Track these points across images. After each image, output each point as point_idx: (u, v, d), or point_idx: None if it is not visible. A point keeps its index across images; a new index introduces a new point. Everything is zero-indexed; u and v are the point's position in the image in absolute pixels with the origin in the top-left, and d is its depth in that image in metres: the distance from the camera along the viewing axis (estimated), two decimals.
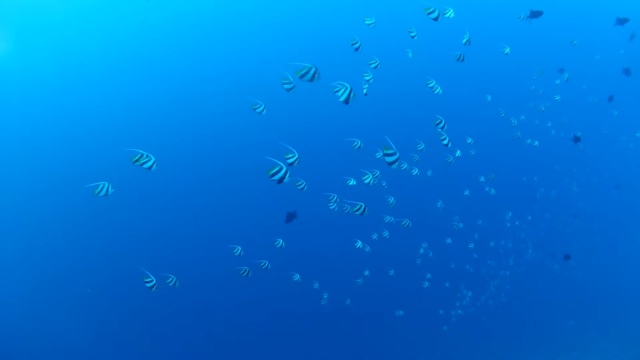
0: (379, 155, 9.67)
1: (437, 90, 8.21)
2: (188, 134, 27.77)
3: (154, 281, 5.92)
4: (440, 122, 7.31)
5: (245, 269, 7.72)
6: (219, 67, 30.27)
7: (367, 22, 8.91)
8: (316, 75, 4.74)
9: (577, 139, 16.81)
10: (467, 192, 12.43)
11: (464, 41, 7.49)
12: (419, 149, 9.48)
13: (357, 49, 7.30)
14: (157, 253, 21.96)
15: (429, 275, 11.93)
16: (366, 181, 6.62)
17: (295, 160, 5.22)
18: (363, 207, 6.25)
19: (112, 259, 22.04)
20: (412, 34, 8.17)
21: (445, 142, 7.19)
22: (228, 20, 30.46)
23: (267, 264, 8.27)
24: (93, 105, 27.61)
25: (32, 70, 26.90)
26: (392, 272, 12.36)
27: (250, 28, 30.54)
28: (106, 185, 5.60)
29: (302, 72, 4.71)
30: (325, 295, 11.85)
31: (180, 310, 19.97)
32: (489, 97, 11.77)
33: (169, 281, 7.07)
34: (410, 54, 9.11)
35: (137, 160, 5.22)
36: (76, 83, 27.73)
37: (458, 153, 9.85)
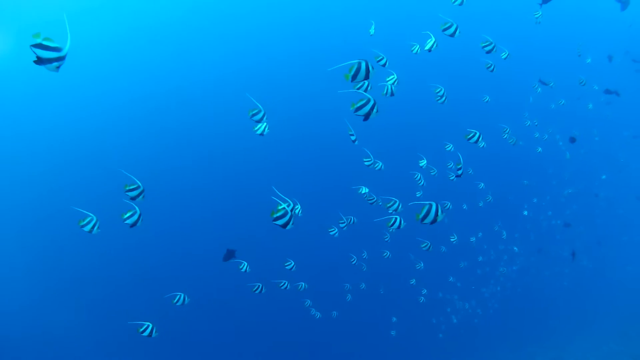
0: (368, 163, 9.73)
1: (442, 99, 7.98)
2: (186, 139, 28.10)
3: (150, 326, 5.55)
4: (473, 136, 6.63)
5: (259, 285, 7.63)
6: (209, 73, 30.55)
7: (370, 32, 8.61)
8: (370, 68, 3.99)
9: (573, 140, 17.46)
10: (465, 207, 12.90)
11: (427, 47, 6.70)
12: (420, 164, 9.54)
13: (383, 65, 6.61)
14: (156, 253, 22.20)
15: (424, 291, 12.38)
16: (392, 209, 6.44)
17: (298, 211, 4.71)
18: (399, 220, 5.50)
19: (112, 260, 22.21)
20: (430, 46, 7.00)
21: (459, 172, 6.81)
22: (225, 22, 30.65)
23: (286, 284, 8.21)
24: (93, 107, 27.94)
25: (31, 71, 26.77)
26: (382, 291, 12.61)
27: (247, 30, 30.80)
28: (94, 220, 5.00)
29: (353, 72, 3.94)
30: (316, 314, 12.08)
31: (179, 313, 20.24)
32: (487, 98, 11.83)
33: (175, 301, 6.90)
34: (416, 49, 8.21)
35: (130, 191, 5.12)
36: (76, 84, 27.88)
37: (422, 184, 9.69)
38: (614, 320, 17.93)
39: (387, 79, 6.41)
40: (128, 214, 5.01)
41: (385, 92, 6.08)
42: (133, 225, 5.03)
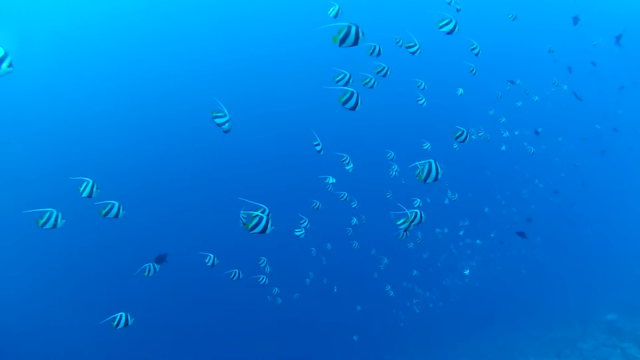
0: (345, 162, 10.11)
1: (422, 101, 8.43)
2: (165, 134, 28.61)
3: (123, 316, 5.66)
4: (461, 134, 6.51)
5: (235, 272, 7.95)
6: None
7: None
8: (360, 34, 3.91)
9: (537, 133, 18.98)
10: (428, 200, 14.01)
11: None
12: (388, 158, 9.93)
13: (384, 75, 6.46)
14: (150, 248, 22.60)
15: (388, 287, 13.44)
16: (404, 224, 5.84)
17: (268, 214, 4.50)
18: (410, 220, 4.93)
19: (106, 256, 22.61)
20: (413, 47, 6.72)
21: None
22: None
23: (264, 279, 8.71)
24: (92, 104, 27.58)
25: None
26: (335, 290, 13.39)
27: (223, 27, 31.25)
28: (54, 214, 4.80)
29: (342, 35, 3.87)
30: (277, 299, 12.86)
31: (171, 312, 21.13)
32: (461, 90, 12.37)
33: (145, 274, 6.94)
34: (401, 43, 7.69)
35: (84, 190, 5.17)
36: (76, 81, 27.58)
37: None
38: (558, 309, 20.16)
39: (375, 70, 6.36)
40: (107, 208, 5.27)
41: (366, 81, 6.01)
42: (115, 217, 5.32)
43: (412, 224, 5.03)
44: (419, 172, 4.30)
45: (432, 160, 4.31)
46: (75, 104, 28.95)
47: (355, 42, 3.95)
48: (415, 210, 5.01)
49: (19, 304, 21.52)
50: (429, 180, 4.34)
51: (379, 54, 5.85)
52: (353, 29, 3.88)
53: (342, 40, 3.91)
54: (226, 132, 6.27)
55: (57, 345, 19.83)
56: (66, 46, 29.12)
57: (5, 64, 2.97)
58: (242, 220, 6.85)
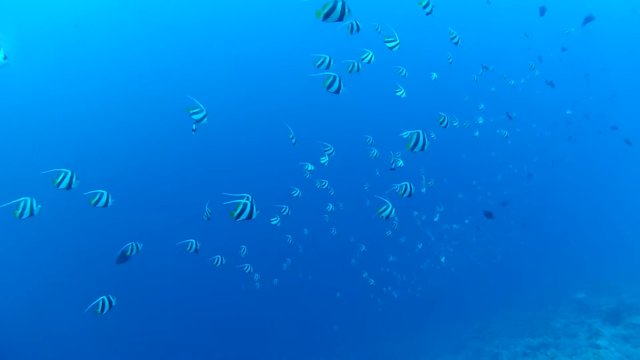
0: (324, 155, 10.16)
1: (401, 92, 8.55)
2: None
3: (105, 299, 5.62)
4: (443, 120, 6.77)
5: (218, 258, 7.90)
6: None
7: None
8: (346, 10, 3.84)
9: (510, 117, 19.63)
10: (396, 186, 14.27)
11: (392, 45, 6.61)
12: (367, 142, 10.02)
13: (368, 62, 6.43)
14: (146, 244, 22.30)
15: (365, 274, 13.72)
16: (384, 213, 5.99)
17: (251, 201, 4.43)
18: (390, 208, 5.07)
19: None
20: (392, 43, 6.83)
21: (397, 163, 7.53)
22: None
23: (249, 267, 8.86)
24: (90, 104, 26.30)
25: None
26: (310, 277, 13.67)
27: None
28: (28, 202, 4.71)
29: (327, 10, 3.80)
30: (257, 286, 13.11)
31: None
32: (435, 75, 12.50)
33: (128, 253, 6.98)
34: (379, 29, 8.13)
35: (61, 182, 5.03)
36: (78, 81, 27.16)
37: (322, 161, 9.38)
38: (532, 291, 21.12)
39: (361, 56, 6.40)
40: (96, 198, 5.30)
41: (350, 68, 6.07)
42: (105, 206, 5.34)
43: (404, 196, 5.25)
44: (407, 141, 4.51)
45: (420, 131, 4.51)
46: (67, 103, 28.59)
47: (341, 18, 3.87)
48: (405, 182, 5.19)
49: (15, 303, 21.19)
50: (416, 149, 4.54)
51: (358, 30, 5.75)
52: (339, 4, 3.79)
53: (327, 15, 3.82)
54: (194, 131, 6.28)
55: (52, 344, 19.64)
56: (59, 46, 28.65)
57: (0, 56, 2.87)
58: (206, 214, 6.97)
